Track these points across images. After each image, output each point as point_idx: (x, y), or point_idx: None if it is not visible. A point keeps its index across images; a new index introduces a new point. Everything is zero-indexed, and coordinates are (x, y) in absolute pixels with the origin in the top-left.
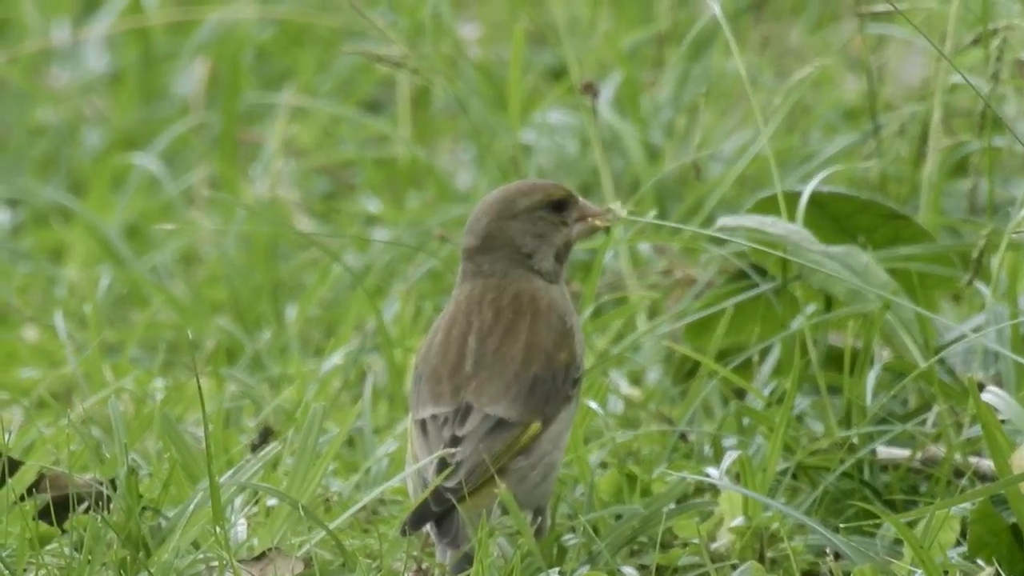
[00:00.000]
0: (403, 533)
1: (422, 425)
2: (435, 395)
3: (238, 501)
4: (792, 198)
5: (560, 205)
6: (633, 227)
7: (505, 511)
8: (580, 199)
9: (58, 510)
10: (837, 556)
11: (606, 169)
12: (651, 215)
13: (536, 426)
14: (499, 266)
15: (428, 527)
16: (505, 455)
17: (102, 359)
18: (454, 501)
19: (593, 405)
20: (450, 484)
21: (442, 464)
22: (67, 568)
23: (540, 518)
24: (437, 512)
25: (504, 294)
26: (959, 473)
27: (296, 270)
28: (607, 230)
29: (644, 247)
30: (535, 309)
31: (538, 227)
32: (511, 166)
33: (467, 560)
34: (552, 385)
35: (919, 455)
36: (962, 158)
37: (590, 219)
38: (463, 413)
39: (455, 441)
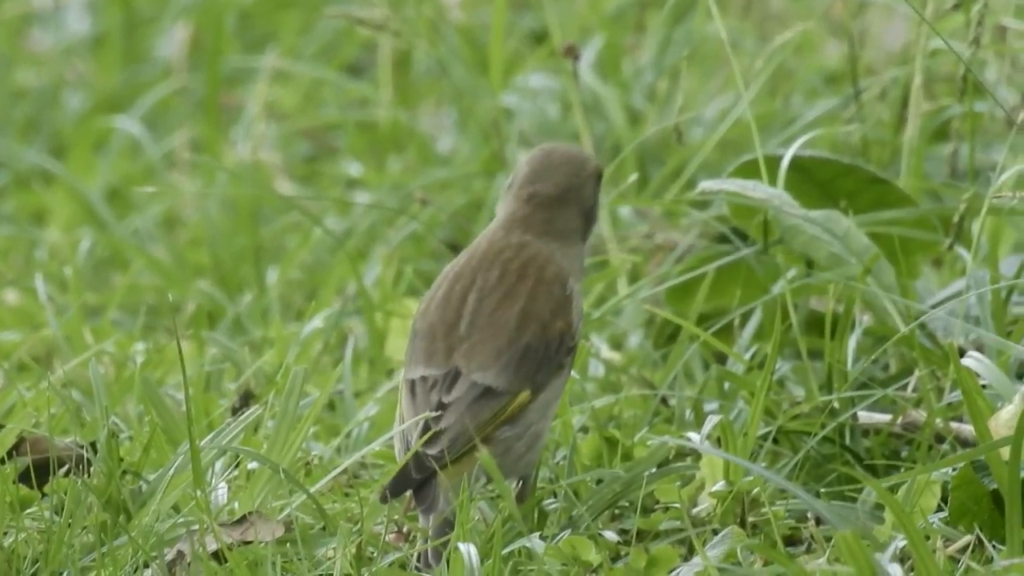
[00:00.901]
0: (383, 500)
1: (411, 386)
2: (428, 354)
3: (219, 465)
4: (773, 162)
5: (600, 177)
6: (615, 191)
7: (489, 479)
8: None
9: (38, 473)
10: (818, 521)
11: (587, 133)
12: (632, 179)
13: (525, 395)
14: (569, 223)
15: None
16: (491, 424)
17: (83, 322)
18: (436, 468)
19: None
20: (432, 451)
21: (426, 429)
22: (47, 531)
23: (522, 484)
24: (418, 479)
25: (519, 255)
26: (940, 438)
27: (277, 233)
28: None
29: (625, 211)
30: (539, 276)
31: (595, 194)
32: (492, 129)
33: (448, 524)
34: (544, 354)
35: (900, 420)
36: (943, 123)
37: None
38: (451, 378)
39: (441, 407)
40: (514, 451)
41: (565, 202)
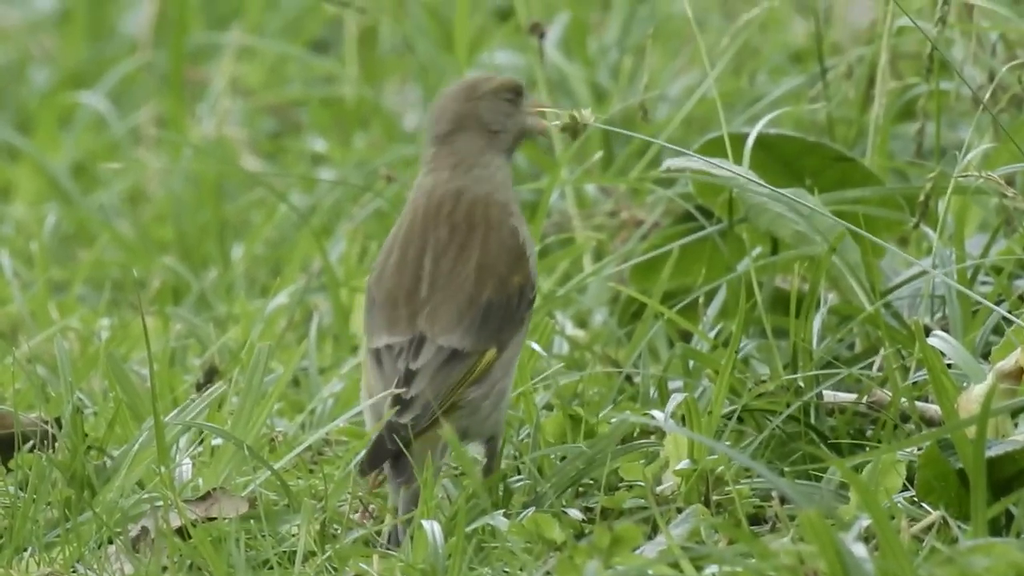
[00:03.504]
0: (361, 473)
1: (377, 355)
2: (391, 321)
3: (183, 441)
4: (739, 140)
5: (516, 91)
6: (580, 168)
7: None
8: (530, 95)
9: (3, 448)
10: (783, 500)
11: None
12: (597, 156)
13: (492, 353)
14: (472, 145)
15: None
16: (460, 387)
17: (48, 297)
18: (410, 438)
19: (536, 347)
20: (404, 420)
21: (396, 400)
22: (11, 507)
23: (491, 454)
24: (393, 450)
25: (459, 205)
26: (905, 417)
27: (242, 209)
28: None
29: (590, 188)
30: (488, 222)
31: (502, 107)
32: None
33: (413, 500)
34: (506, 310)
35: (865, 399)
36: (909, 101)
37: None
38: (417, 344)
39: (409, 375)
40: (481, 411)
41: (462, 129)
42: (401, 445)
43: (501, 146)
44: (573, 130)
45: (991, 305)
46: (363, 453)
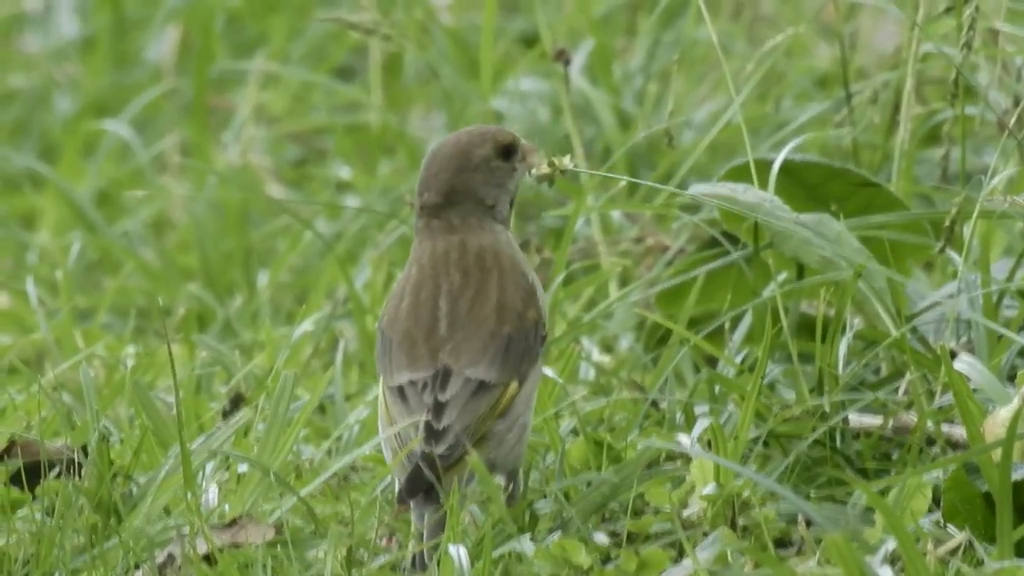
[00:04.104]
0: (399, 503)
1: (400, 391)
2: (411, 359)
3: (209, 467)
4: (764, 166)
5: (509, 151)
6: (605, 195)
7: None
8: (521, 141)
9: (29, 476)
10: (809, 524)
11: (578, 136)
12: (623, 183)
13: (514, 386)
14: (468, 219)
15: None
16: (489, 418)
17: (73, 325)
18: (440, 468)
19: (549, 372)
20: (438, 451)
21: (428, 428)
22: (38, 534)
23: (513, 484)
24: (430, 479)
25: (467, 253)
26: (931, 441)
27: (267, 237)
28: (552, 178)
29: (616, 214)
30: (500, 266)
31: (496, 177)
32: None
33: (438, 526)
34: (525, 344)
35: (891, 423)
36: (935, 126)
37: (532, 165)
38: (443, 377)
39: (438, 406)
40: (506, 444)
41: (456, 203)
42: (437, 474)
43: (498, 216)
44: (550, 178)
45: (1013, 336)
46: (400, 483)
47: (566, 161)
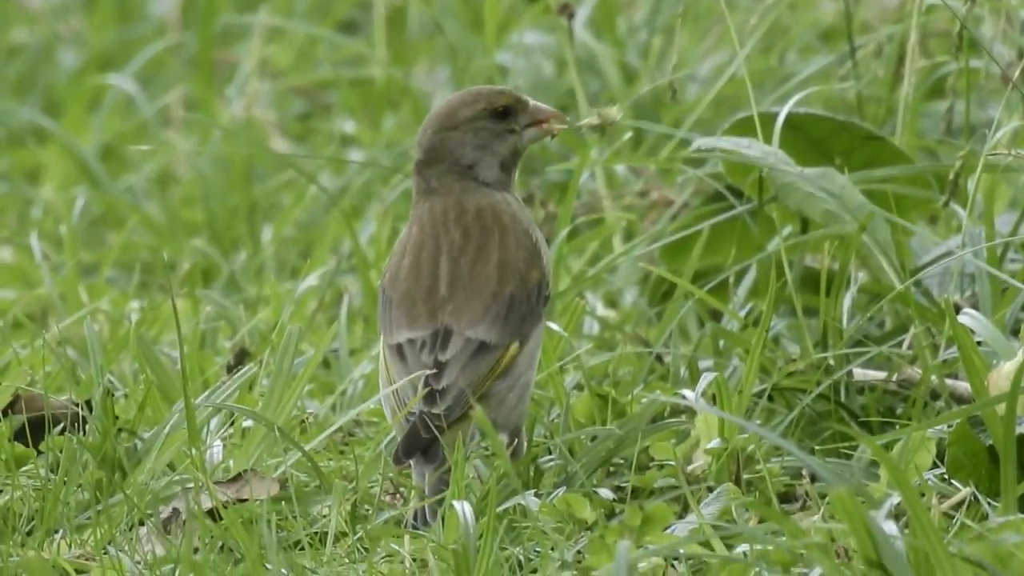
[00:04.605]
0: (396, 462)
1: (398, 349)
2: (410, 318)
3: (214, 423)
4: (768, 120)
5: (504, 112)
6: (610, 149)
7: (483, 434)
8: (532, 103)
9: (33, 431)
10: (813, 478)
11: (582, 90)
12: (627, 137)
13: (515, 347)
14: (445, 180)
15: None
16: (488, 378)
17: (78, 280)
18: (444, 426)
19: (554, 326)
20: (437, 410)
21: (423, 387)
22: (43, 489)
23: (516, 440)
24: (427, 439)
25: (466, 212)
26: (935, 395)
27: (272, 191)
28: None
29: (620, 168)
30: (501, 225)
31: (479, 138)
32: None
33: (443, 482)
34: (527, 305)
35: (895, 377)
36: (939, 79)
37: (543, 125)
38: (443, 337)
39: (439, 366)
40: (507, 403)
41: (435, 162)
42: (436, 434)
43: (480, 177)
44: (602, 129)
45: (1020, 284)
46: (398, 442)
47: (614, 112)
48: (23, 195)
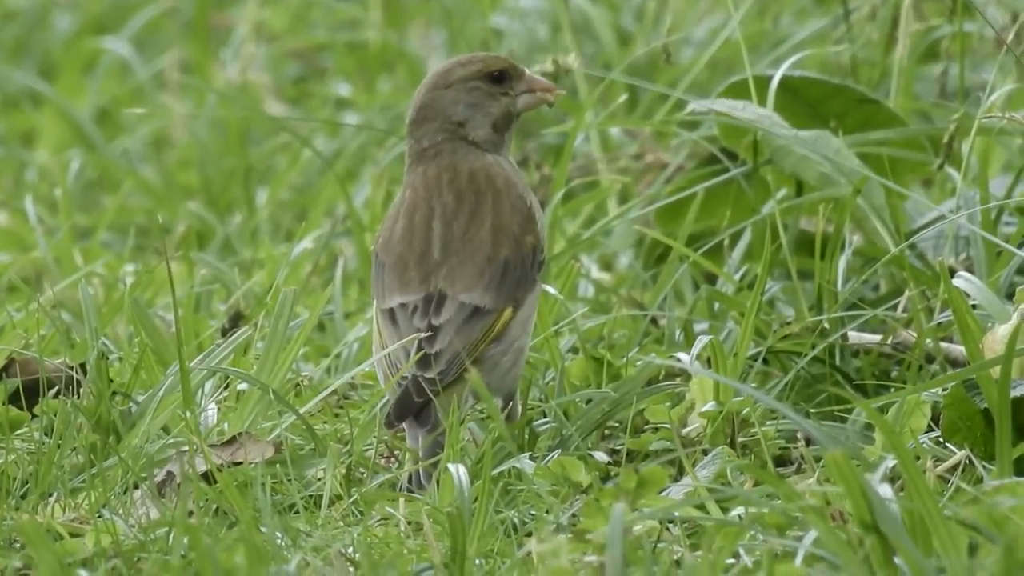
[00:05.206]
0: (388, 426)
1: (390, 314)
2: (403, 283)
3: (208, 386)
4: (763, 82)
5: (499, 76)
6: (605, 111)
7: (477, 397)
8: (528, 72)
9: (28, 394)
10: (808, 441)
11: (577, 53)
12: (622, 99)
13: (509, 312)
14: (435, 139)
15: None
16: (482, 343)
17: (72, 243)
18: (438, 390)
19: (550, 289)
20: (430, 374)
21: (416, 351)
22: (37, 453)
23: (512, 403)
24: (420, 403)
25: (459, 175)
26: (930, 358)
27: (267, 154)
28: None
29: (615, 131)
30: (495, 188)
31: (472, 97)
32: (482, 50)
33: (438, 445)
34: (522, 270)
35: (890, 340)
36: (933, 42)
37: (538, 92)
38: (437, 301)
39: (432, 330)
40: (501, 367)
41: (427, 120)
42: (432, 397)
43: (471, 136)
44: (554, 76)
45: (1014, 249)
46: (389, 406)
47: (571, 60)
48: (18, 158)
